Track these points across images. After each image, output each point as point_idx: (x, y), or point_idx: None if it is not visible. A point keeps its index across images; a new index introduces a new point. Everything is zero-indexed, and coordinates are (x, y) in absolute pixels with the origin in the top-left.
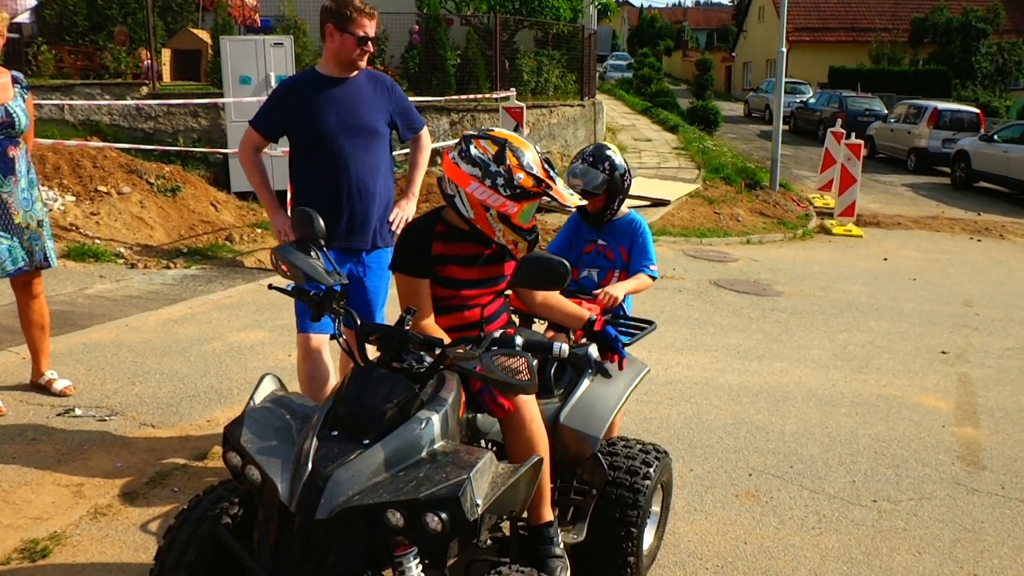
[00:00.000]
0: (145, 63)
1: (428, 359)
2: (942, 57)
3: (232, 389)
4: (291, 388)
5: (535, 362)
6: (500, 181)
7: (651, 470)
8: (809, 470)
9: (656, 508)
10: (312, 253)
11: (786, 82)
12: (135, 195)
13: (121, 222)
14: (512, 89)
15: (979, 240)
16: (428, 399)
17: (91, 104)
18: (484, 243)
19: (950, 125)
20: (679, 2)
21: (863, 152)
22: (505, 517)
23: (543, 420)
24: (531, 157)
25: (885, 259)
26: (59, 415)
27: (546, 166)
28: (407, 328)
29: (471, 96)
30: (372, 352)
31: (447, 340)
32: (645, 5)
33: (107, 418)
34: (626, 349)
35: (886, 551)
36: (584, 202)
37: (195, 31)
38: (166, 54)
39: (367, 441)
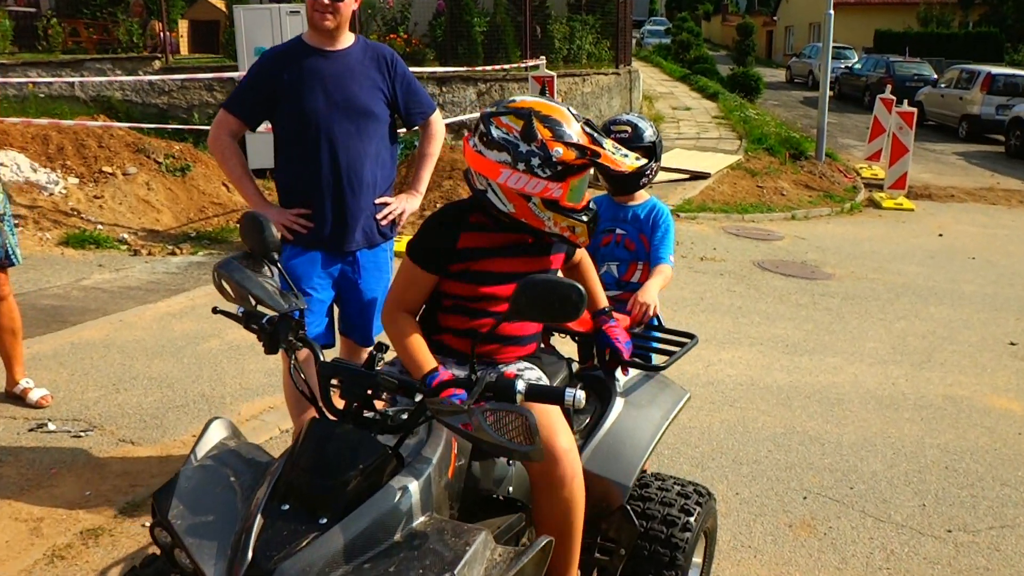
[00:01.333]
0: (159, 36)
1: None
2: (994, 19)
3: (224, 397)
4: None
5: (536, 419)
6: (535, 161)
7: (692, 520)
8: (872, 492)
9: (698, 559)
10: (265, 269)
11: (831, 46)
12: (142, 176)
13: (126, 205)
14: (542, 57)
15: None
16: (408, 457)
17: (103, 80)
18: (525, 230)
19: (1004, 90)
20: None
21: (915, 120)
22: None
23: None
24: (567, 123)
25: (940, 235)
26: (31, 430)
27: (588, 129)
28: (378, 367)
29: (500, 66)
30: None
31: (426, 366)
32: None
33: (83, 434)
34: (663, 372)
35: None
36: (642, 161)
37: (213, 0)
38: (183, 26)
39: (324, 520)
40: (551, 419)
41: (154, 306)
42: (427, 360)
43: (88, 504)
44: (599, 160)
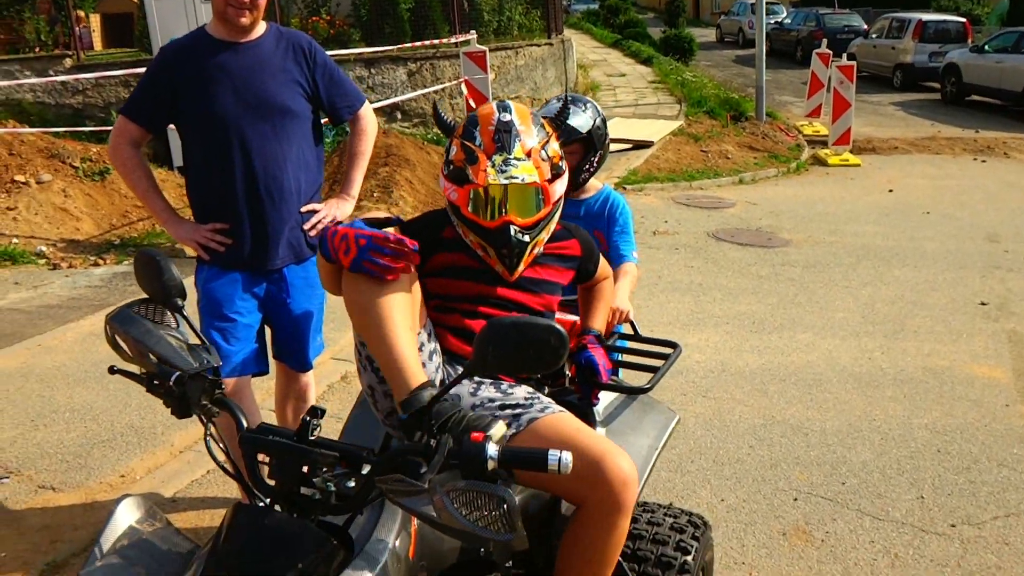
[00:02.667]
0: (65, 31)
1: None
2: None
3: (155, 426)
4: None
5: (517, 499)
6: (445, 158)
7: (688, 559)
8: (865, 486)
9: None
10: (168, 319)
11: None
12: (57, 183)
13: (42, 215)
14: (472, 32)
15: (983, 160)
16: (358, 540)
17: (11, 83)
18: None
19: (936, 37)
20: None
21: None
22: None
23: (539, 508)
24: (485, 124)
25: (891, 190)
26: None
27: (500, 135)
28: (312, 436)
29: (429, 42)
30: None
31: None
32: None
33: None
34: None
35: None
36: (505, 180)
37: None
38: (95, 20)
39: None
40: (595, 439)
41: (76, 325)
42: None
43: (2, 570)
44: (468, 170)
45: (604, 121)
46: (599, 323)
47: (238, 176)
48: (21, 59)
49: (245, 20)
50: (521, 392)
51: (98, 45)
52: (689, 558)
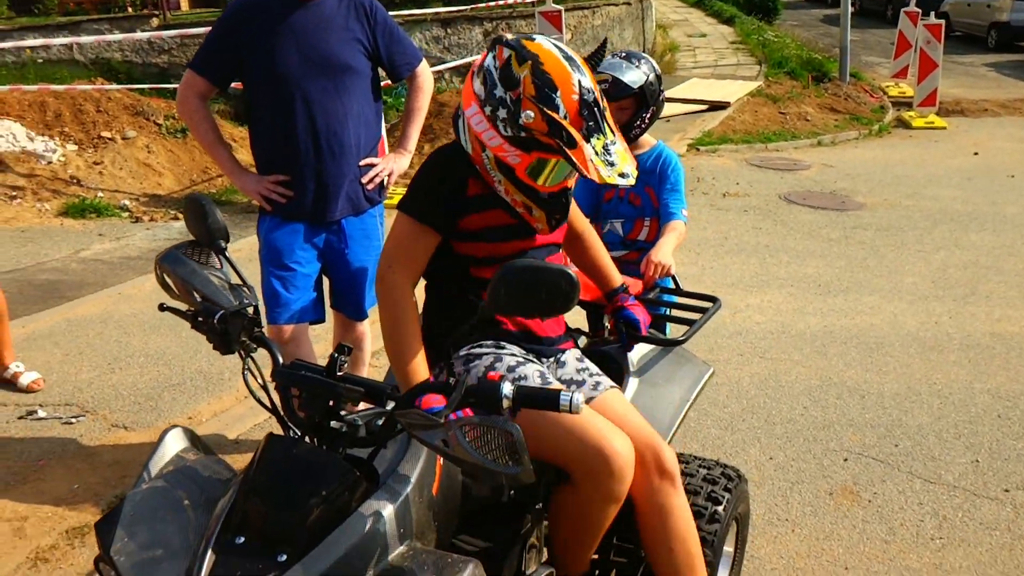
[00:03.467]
0: None
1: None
2: None
3: (223, 372)
4: None
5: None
6: (502, 113)
7: (720, 508)
8: (919, 449)
9: (729, 548)
10: (213, 260)
11: None
12: (142, 139)
13: (127, 170)
14: None
15: None
16: (383, 474)
17: (101, 41)
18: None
19: None
20: None
21: (943, 32)
22: None
23: None
24: (565, 91)
25: (976, 153)
26: (20, 418)
27: (589, 110)
28: (340, 372)
29: (505, 2)
30: None
31: (413, 376)
32: None
33: (74, 420)
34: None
35: None
36: (624, 182)
37: None
38: None
39: (284, 557)
40: (597, 420)
41: (153, 276)
42: (417, 368)
43: (75, 499)
44: (568, 151)
45: (659, 78)
46: (614, 276)
47: (300, 131)
48: (110, 18)
49: None
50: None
51: (184, 5)
52: (720, 508)
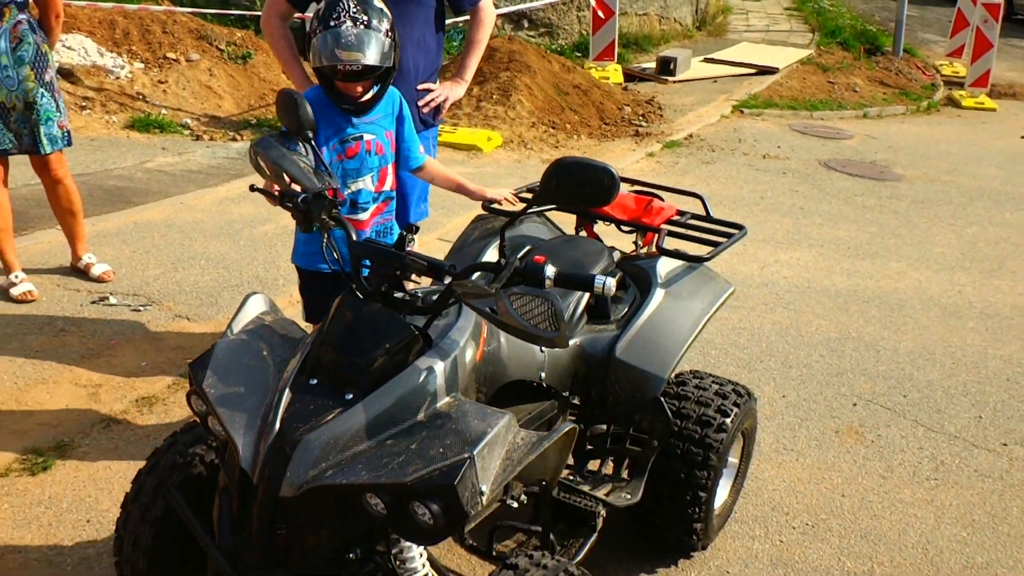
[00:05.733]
0: None
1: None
2: None
3: (277, 279)
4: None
5: (565, 304)
6: None
7: (728, 420)
8: (926, 401)
9: (734, 459)
10: (300, 148)
11: None
12: (204, 62)
13: (189, 91)
14: None
15: None
16: (436, 338)
17: None
18: None
19: None
20: None
21: (1001, 13)
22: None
23: (596, 350)
24: None
25: (1022, 137)
26: (93, 303)
27: None
28: (408, 248)
29: None
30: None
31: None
32: None
33: (142, 308)
34: (706, 264)
35: (1017, 513)
36: None
37: None
38: None
39: (350, 396)
40: None
41: (214, 190)
42: None
43: (144, 374)
44: None
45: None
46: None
47: None
48: None
49: None
50: None
51: None
52: (728, 420)
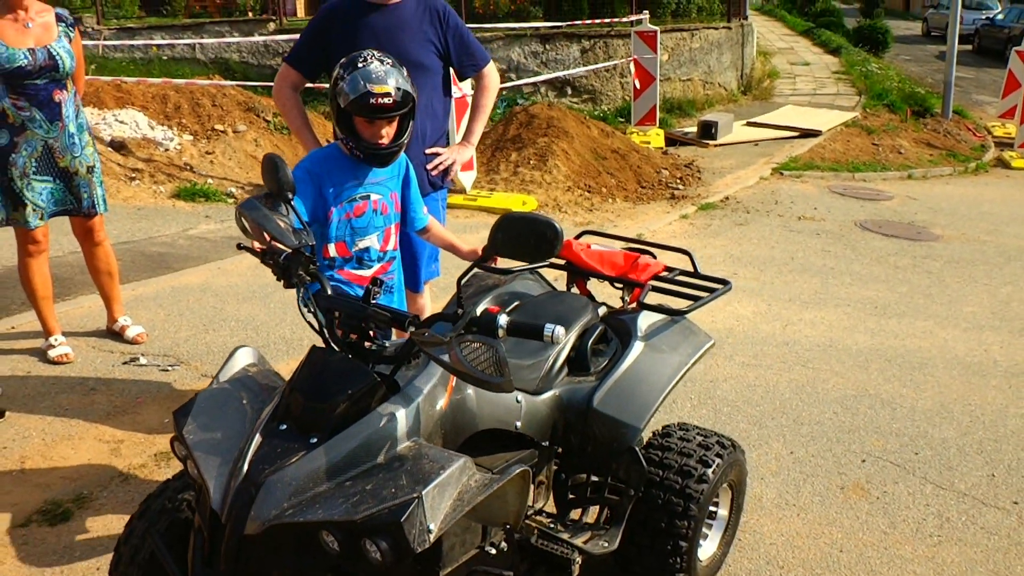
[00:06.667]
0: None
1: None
2: None
3: (303, 340)
4: None
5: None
6: None
7: (709, 471)
8: (939, 458)
9: (723, 511)
10: (281, 208)
11: None
12: (251, 133)
13: (235, 161)
14: (645, 12)
15: None
16: (403, 386)
17: (221, 42)
18: None
19: None
20: None
21: None
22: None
23: (575, 401)
24: None
25: None
26: (124, 364)
27: None
28: (373, 300)
29: (604, 21)
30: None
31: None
32: None
33: (170, 368)
34: (687, 317)
35: (1021, 571)
36: None
37: None
38: None
39: (315, 440)
40: None
41: (249, 256)
42: None
43: (165, 430)
44: None
45: None
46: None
47: None
48: (231, 22)
49: None
50: None
51: (300, 12)
52: (709, 471)
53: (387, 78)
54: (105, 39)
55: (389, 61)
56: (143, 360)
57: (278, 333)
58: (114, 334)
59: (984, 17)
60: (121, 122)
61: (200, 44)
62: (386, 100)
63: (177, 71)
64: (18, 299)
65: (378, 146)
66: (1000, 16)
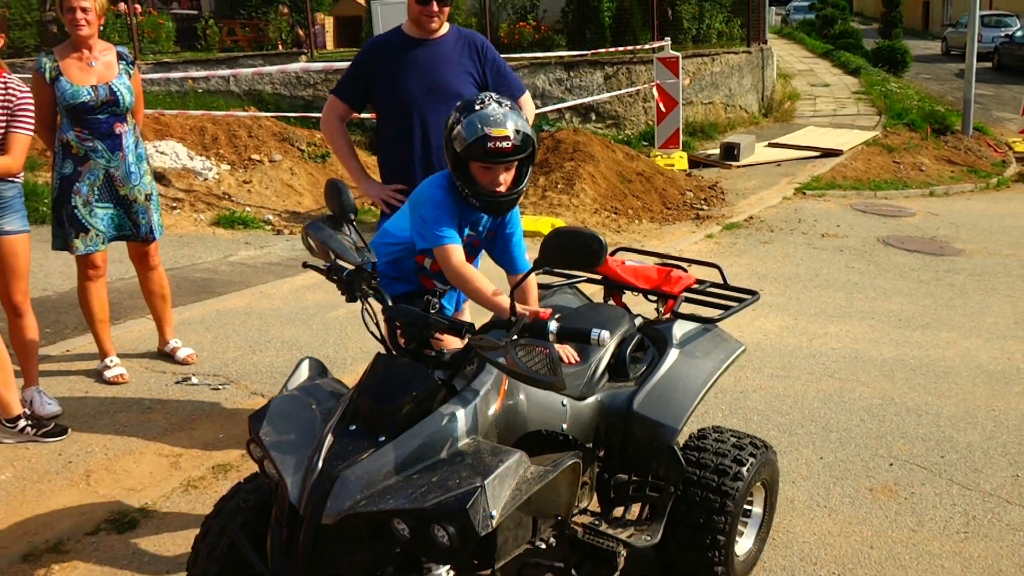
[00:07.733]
0: (305, 32)
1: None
2: None
3: (346, 359)
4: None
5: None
6: None
7: (743, 470)
8: (964, 461)
9: (758, 509)
10: (344, 229)
11: (991, 14)
12: (286, 162)
13: (272, 189)
14: (667, 38)
15: None
16: (460, 389)
17: (256, 73)
18: None
19: None
20: None
21: None
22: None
23: (616, 405)
24: None
25: None
26: (177, 383)
27: None
28: (432, 311)
29: (626, 48)
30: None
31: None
32: None
33: (221, 387)
34: (719, 325)
35: None
36: None
37: None
38: (329, 22)
39: (382, 439)
40: None
41: (291, 280)
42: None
43: (221, 445)
44: None
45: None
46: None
47: (417, 148)
48: (264, 55)
49: (434, 25)
50: None
51: (330, 45)
52: (743, 469)
53: (506, 121)
54: (143, 73)
55: (507, 104)
56: (195, 380)
57: (321, 353)
58: (165, 355)
59: (1003, 34)
60: (162, 153)
61: (234, 76)
62: (504, 144)
63: (212, 103)
64: (71, 323)
65: (495, 193)
66: (1019, 33)
